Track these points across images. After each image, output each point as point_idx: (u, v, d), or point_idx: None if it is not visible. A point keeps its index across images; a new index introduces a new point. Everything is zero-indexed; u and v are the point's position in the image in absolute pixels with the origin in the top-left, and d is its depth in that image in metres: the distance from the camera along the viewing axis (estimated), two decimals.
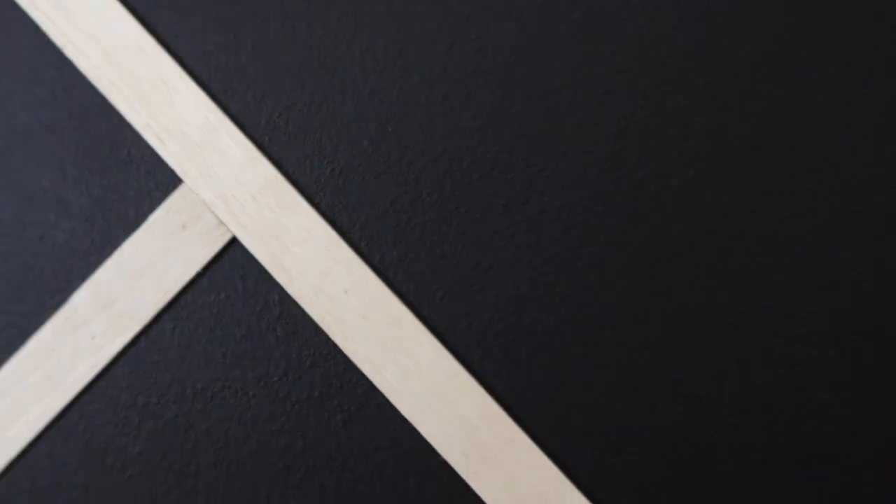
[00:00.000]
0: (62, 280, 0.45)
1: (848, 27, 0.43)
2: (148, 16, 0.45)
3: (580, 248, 0.43)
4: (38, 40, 0.46)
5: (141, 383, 0.45)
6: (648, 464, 0.42)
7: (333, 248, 0.44)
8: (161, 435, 0.44)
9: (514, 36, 0.44)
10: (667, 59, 0.43)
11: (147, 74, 0.44)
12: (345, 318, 0.43)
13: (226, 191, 0.44)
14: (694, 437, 0.42)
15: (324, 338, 0.44)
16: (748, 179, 0.43)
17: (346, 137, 0.45)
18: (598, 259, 0.43)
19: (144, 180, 0.45)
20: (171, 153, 0.44)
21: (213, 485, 0.44)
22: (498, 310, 0.43)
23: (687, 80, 0.43)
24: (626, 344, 0.43)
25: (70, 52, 0.45)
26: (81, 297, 0.45)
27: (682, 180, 0.43)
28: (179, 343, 0.45)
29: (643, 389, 0.43)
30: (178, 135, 0.44)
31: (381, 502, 0.43)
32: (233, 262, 0.45)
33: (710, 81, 0.43)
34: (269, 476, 0.44)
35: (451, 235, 0.44)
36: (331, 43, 0.45)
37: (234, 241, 0.45)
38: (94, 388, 0.45)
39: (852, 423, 0.41)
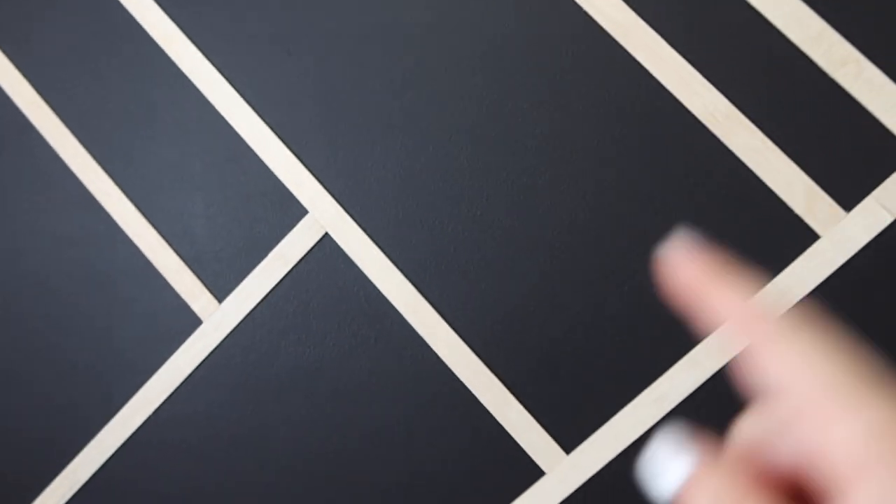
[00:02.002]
0: (277, 235, 1.08)
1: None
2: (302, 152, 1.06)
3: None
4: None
5: (298, 285, 1.09)
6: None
7: (374, 257, 1.05)
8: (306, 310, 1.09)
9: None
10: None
11: (290, 183, 1.06)
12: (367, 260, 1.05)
13: (328, 221, 1.06)
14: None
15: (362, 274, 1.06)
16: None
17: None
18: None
19: (293, 208, 1.08)
20: (308, 202, 1.06)
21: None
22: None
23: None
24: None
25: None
26: (281, 247, 1.08)
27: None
28: (310, 268, 1.08)
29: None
30: (312, 199, 1.06)
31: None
32: (326, 248, 1.07)
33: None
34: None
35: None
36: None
37: (326, 235, 1.06)
38: (281, 284, 1.09)
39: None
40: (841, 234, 0.89)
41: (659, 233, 0.95)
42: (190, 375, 1.09)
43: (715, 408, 0.93)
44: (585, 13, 0.97)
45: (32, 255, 1.17)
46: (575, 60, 0.97)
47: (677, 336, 0.94)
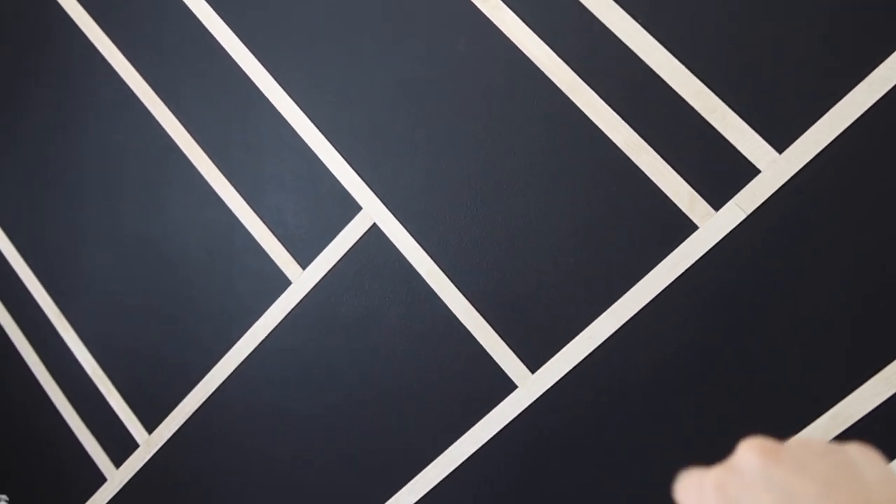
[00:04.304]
0: (341, 224, 1.59)
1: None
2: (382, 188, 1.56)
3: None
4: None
5: (355, 258, 1.59)
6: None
7: (406, 240, 1.53)
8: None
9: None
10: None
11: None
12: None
13: (375, 214, 1.55)
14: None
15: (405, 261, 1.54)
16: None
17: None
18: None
19: (352, 206, 1.58)
20: (362, 202, 1.56)
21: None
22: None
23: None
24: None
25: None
26: (344, 232, 1.59)
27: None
28: (363, 247, 1.58)
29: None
30: (365, 200, 1.56)
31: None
32: (374, 233, 1.56)
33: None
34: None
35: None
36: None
37: (374, 225, 1.55)
38: (344, 258, 1.59)
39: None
40: (712, 226, 1.31)
41: (595, 218, 1.39)
42: (283, 319, 1.61)
43: (639, 343, 1.37)
44: (544, 75, 1.42)
45: (176, 237, 1.73)
46: (539, 107, 1.42)
47: (601, 295, 1.39)
